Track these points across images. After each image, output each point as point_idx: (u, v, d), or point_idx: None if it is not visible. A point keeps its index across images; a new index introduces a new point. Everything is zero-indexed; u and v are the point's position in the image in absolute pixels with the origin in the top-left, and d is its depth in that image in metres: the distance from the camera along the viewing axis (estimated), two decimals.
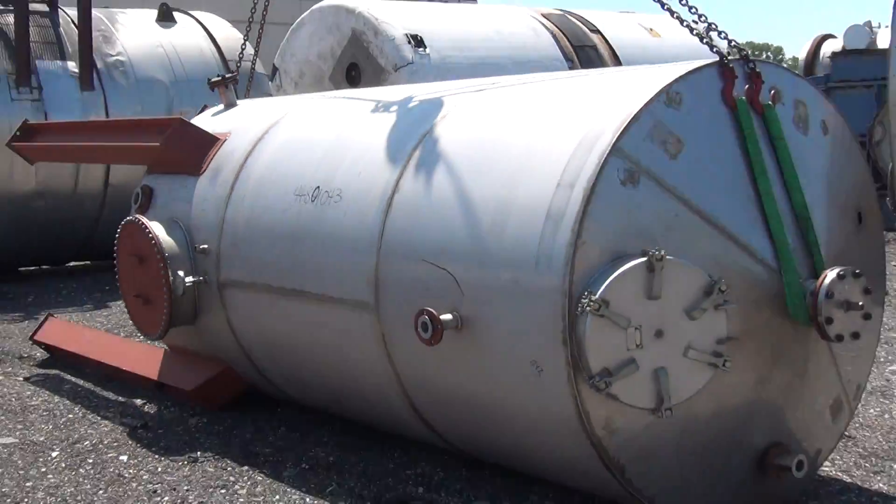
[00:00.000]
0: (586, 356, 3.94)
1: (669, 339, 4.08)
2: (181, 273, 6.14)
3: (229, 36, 13.14)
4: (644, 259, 3.98)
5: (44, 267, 13.36)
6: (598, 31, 16.18)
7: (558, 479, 4.74)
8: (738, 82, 4.43)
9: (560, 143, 4.30)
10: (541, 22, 15.88)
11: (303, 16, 15.17)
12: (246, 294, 5.86)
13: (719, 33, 4.78)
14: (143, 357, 7.24)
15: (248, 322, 5.96)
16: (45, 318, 8.60)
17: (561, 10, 16.39)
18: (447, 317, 4.43)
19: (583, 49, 15.76)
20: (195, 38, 12.73)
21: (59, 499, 5.26)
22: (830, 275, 4.30)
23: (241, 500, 5.19)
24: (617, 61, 15.90)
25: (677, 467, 4.33)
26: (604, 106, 4.35)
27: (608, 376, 3.96)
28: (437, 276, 4.60)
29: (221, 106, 7.12)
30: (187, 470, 5.61)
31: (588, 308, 3.91)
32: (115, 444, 6.11)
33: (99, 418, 6.67)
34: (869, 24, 23.29)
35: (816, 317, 4.27)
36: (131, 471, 5.63)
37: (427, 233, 4.71)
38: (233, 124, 6.57)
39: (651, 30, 16.80)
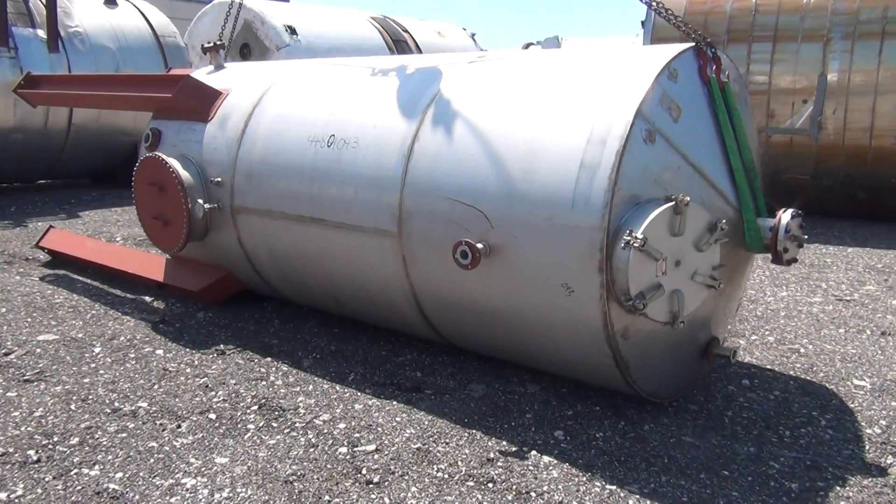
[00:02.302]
0: (627, 282, 3.10)
1: (683, 268, 3.25)
2: (200, 201, 4.93)
3: (160, 19, 11.33)
4: (672, 203, 3.23)
5: (16, 184, 11.11)
6: (407, 31, 15.27)
7: (565, 373, 3.86)
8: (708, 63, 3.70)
9: (584, 107, 3.37)
10: (370, 22, 14.79)
11: (205, 7, 13.48)
12: (258, 218, 4.57)
13: (686, 26, 3.98)
14: (145, 262, 5.82)
15: (258, 240, 4.66)
16: (48, 229, 6.86)
17: (382, 15, 15.32)
18: (479, 245, 3.59)
19: (398, 43, 14.81)
20: (134, 19, 10.87)
21: (120, 394, 3.89)
22: (785, 216, 3.71)
23: (282, 390, 3.98)
24: (420, 51, 15.05)
25: (660, 362, 3.64)
26: (621, 77, 3.35)
27: (642, 298, 3.19)
28: (462, 212, 3.69)
29: (212, 67, 5.80)
30: (221, 363, 4.32)
31: (634, 243, 3.17)
32: (147, 338, 4.69)
33: (120, 314, 5.20)
34: (557, 37, 23.13)
35: (776, 247, 3.70)
36: (173, 365, 4.28)
37: (452, 177, 3.62)
38: (230, 82, 5.21)
39: (439, 32, 16.03)
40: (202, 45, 5.70)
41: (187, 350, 4.53)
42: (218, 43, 5.49)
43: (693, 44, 3.62)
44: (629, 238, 3.07)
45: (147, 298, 5.56)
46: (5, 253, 6.97)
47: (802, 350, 4.81)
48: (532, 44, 22.61)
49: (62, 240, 6.61)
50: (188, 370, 4.25)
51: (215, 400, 3.87)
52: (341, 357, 4.47)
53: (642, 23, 10.06)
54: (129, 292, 5.73)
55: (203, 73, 5.45)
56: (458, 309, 3.85)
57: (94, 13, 10.53)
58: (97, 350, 4.51)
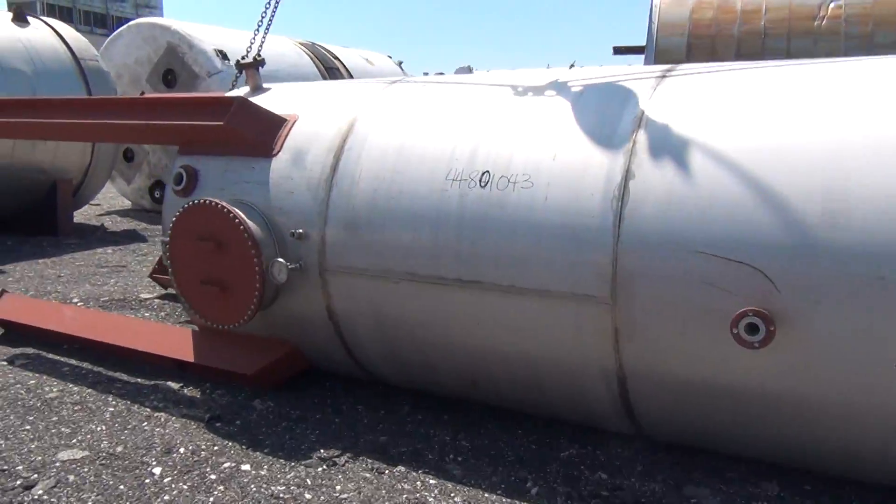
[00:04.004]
0: None
1: None
2: (281, 260, 3.75)
3: (78, 40, 9.69)
4: None
5: None
6: (338, 59, 14.15)
7: (856, 474, 2.94)
8: None
9: None
10: (300, 48, 13.57)
11: (120, 29, 11.80)
12: (365, 281, 3.45)
13: None
14: (157, 336, 4.47)
15: (360, 307, 3.51)
16: (0, 294, 5.43)
17: (309, 41, 14.12)
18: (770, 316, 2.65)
19: (330, 70, 13.66)
20: (48, 38, 9.23)
21: None
22: None
23: None
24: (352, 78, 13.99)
25: None
26: None
27: None
28: (722, 270, 2.78)
29: (247, 88, 4.62)
30: (345, 480, 3.15)
31: None
32: (216, 448, 3.41)
33: (150, 410, 3.87)
34: (469, 66, 22.55)
35: None
36: (281, 488, 3.06)
37: (702, 224, 2.74)
38: (288, 106, 4.14)
39: (368, 60, 15.00)
40: (237, 61, 4.50)
41: (282, 462, 3.33)
42: (258, 58, 4.33)
43: None
44: None
45: (172, 385, 4.25)
46: None
47: None
48: (440, 73, 21.95)
49: (22, 307, 5.14)
50: (310, 496, 3.06)
51: None
52: (490, 457, 3.39)
53: (617, 49, 9.50)
54: (139, 376, 4.40)
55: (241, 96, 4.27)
56: (699, 395, 2.90)
57: (3, 30, 8.86)
58: (158, 472, 3.22)
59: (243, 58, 4.34)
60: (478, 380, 3.46)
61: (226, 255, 3.66)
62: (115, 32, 11.66)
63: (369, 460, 3.35)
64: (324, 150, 3.66)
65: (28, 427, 3.69)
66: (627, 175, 2.90)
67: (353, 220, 3.47)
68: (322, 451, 3.44)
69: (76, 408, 3.94)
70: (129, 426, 3.71)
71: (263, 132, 3.82)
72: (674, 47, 7.88)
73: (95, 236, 9.49)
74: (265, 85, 4.52)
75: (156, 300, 6.16)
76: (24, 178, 8.93)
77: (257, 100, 4.13)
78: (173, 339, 4.40)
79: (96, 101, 4.31)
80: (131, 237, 9.55)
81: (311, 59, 13.23)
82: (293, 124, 3.86)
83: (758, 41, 7.79)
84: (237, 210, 3.62)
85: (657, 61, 8.13)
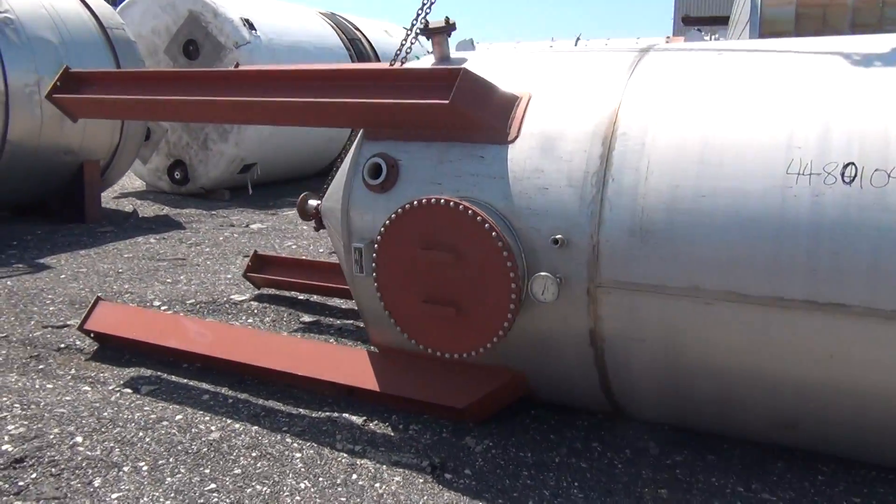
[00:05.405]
0: None
1: None
2: (546, 273, 2.99)
3: (103, 6, 8.60)
4: None
5: None
6: (359, 30, 13.20)
7: None
8: None
9: None
10: (323, 18, 12.59)
11: None
12: (660, 300, 2.67)
13: None
14: (325, 359, 3.71)
15: (644, 332, 2.75)
16: (95, 303, 4.38)
17: (329, 11, 13.14)
18: None
19: (353, 41, 12.72)
20: (72, 3, 8.15)
21: None
22: None
23: None
24: (374, 52, 13.07)
25: None
26: None
27: None
28: None
29: (431, 58, 3.82)
30: None
31: None
32: None
33: (348, 456, 3.07)
34: (471, 40, 21.66)
35: None
36: None
37: None
38: (506, 81, 3.39)
39: (386, 31, 14.09)
40: (424, 25, 3.66)
41: None
42: (449, 21, 3.52)
43: None
44: None
45: (352, 418, 3.45)
46: (11, 340, 4.54)
47: None
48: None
49: (127, 319, 4.27)
50: None
51: None
52: None
53: (687, 19, 8.79)
54: (299, 405, 3.60)
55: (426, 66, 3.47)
56: None
57: None
58: None
59: (424, 22, 3.51)
60: (800, 421, 2.77)
61: (465, 267, 2.90)
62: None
63: None
64: (585, 136, 2.91)
65: (212, 485, 2.90)
66: None
67: (643, 224, 2.73)
68: None
69: (254, 454, 3.15)
70: (338, 481, 2.94)
71: (495, 113, 3.05)
72: (782, 17, 7.24)
73: (129, 223, 8.53)
74: (473, 53, 3.70)
75: (253, 303, 5.33)
76: (51, 161, 7.93)
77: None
78: (346, 362, 3.62)
79: (258, 74, 3.46)
80: (166, 224, 8.60)
81: (334, 29, 12.31)
82: (527, 103, 3.09)
83: (875, 10, 7.19)
84: (484, 213, 2.86)
85: (762, 33, 7.49)
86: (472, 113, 3.00)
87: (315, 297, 5.49)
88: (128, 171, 9.61)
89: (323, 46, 11.57)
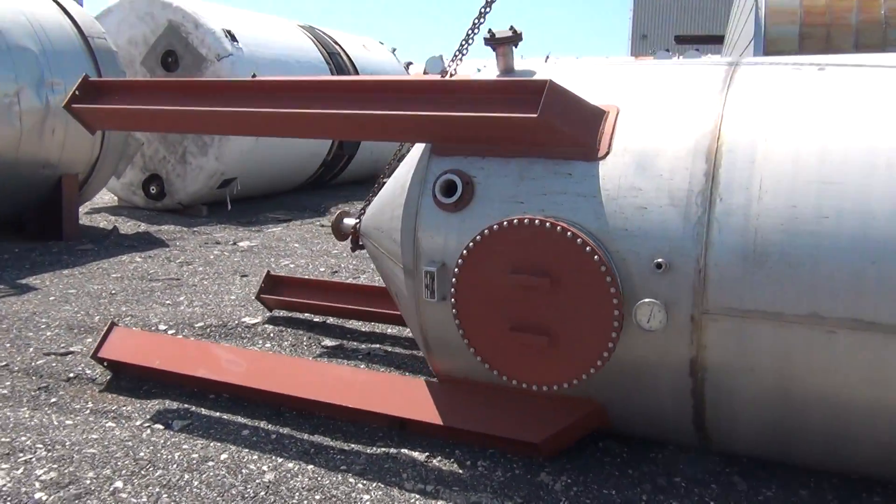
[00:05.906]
0: None
1: None
2: (651, 300, 2.77)
3: (82, 14, 8.18)
4: None
5: None
6: (338, 43, 12.91)
7: None
8: None
9: None
10: (303, 32, 12.27)
11: (111, 5, 10.25)
12: (774, 329, 2.50)
13: None
14: (378, 390, 3.45)
15: (752, 362, 2.56)
16: (109, 328, 4.04)
17: (308, 24, 12.82)
18: None
19: (332, 55, 12.42)
20: (52, 11, 7.73)
21: None
22: None
23: None
24: (354, 66, 12.79)
25: None
26: None
27: None
28: None
29: (490, 71, 3.57)
30: None
31: None
32: None
33: (420, 497, 2.79)
34: (441, 56, 21.61)
35: None
36: None
37: None
38: (597, 94, 3.14)
39: (364, 46, 13.81)
40: (490, 34, 3.41)
41: None
42: (516, 31, 3.30)
43: None
44: None
45: (413, 454, 3.19)
46: (13, 370, 4.15)
47: None
48: (410, 63, 20.93)
49: (146, 346, 3.93)
50: None
51: None
52: None
53: (680, 38, 8.75)
54: (350, 440, 3.30)
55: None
56: None
57: (4, 1, 7.34)
58: None
59: (490, 32, 3.29)
60: None
61: (560, 293, 2.68)
62: (105, 8, 10.12)
63: None
64: (686, 152, 2.72)
65: None
66: None
67: (757, 248, 2.55)
68: None
69: (317, 497, 2.86)
70: None
71: (581, 128, 2.85)
72: (785, 36, 7.23)
73: (109, 241, 8.08)
74: (566, 68, 3.49)
75: (267, 326, 5.02)
76: (29, 175, 7.47)
77: None
78: (400, 392, 3.36)
79: (310, 84, 3.19)
80: (148, 241, 8.19)
81: (314, 43, 12.01)
82: (616, 117, 2.90)
83: (878, 31, 7.22)
84: (584, 235, 2.64)
85: (767, 51, 7.46)
86: (560, 127, 2.79)
87: (331, 319, 5.20)
88: (106, 184, 9.16)
89: (304, 60, 11.27)
